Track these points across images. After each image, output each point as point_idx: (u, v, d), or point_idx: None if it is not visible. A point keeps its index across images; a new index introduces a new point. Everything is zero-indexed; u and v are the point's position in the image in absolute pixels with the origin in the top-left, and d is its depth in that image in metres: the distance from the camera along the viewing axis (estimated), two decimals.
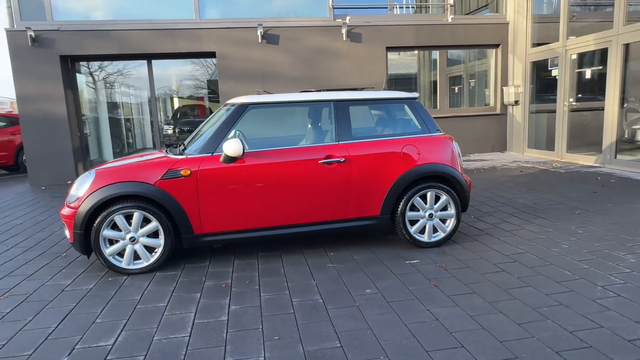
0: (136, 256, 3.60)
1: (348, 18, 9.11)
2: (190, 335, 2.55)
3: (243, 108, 3.78)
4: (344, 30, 9.07)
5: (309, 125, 4.16)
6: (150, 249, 3.64)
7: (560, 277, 3.18)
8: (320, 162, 3.74)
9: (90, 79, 9.36)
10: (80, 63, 9.09)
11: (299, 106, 3.93)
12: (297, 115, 4.10)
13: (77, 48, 8.42)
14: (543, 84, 9.26)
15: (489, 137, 10.15)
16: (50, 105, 8.44)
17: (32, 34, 8.13)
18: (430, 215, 3.98)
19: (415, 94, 4.15)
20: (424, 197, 3.96)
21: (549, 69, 8.97)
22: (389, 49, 9.59)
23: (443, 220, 4.04)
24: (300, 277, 3.39)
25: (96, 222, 3.45)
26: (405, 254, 3.85)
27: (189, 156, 3.63)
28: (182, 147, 3.91)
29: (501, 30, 9.86)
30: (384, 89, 4.54)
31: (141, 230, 3.54)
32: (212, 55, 8.97)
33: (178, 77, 9.54)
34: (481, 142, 10.13)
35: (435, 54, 10.02)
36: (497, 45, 9.98)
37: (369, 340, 2.42)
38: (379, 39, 9.37)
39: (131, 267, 3.57)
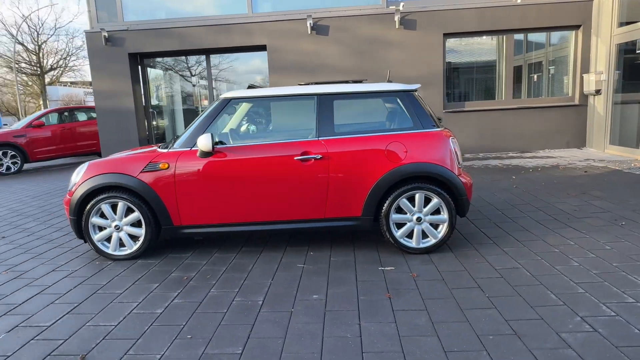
0: (123, 243, 3.83)
1: (402, 4, 8.66)
2: (116, 326, 2.64)
3: (225, 102, 3.79)
4: (397, 17, 8.65)
5: (292, 120, 4.04)
6: (134, 238, 3.83)
7: (539, 301, 2.71)
8: (295, 158, 3.61)
9: (160, 73, 10.12)
10: (147, 59, 9.85)
11: (283, 100, 3.82)
12: (280, 109, 4.00)
13: (143, 46, 9.14)
14: (631, 70, 7.93)
15: (564, 131, 9.01)
16: (120, 99, 9.30)
17: (106, 34, 9.00)
18: (419, 219, 3.64)
19: (413, 86, 3.80)
20: (412, 199, 3.64)
21: (639, 52, 7.66)
22: (447, 35, 8.93)
23: (435, 225, 3.68)
24: (260, 276, 3.33)
25: (86, 209, 3.73)
26: (387, 259, 3.58)
27: (170, 150, 3.74)
28: (172, 142, 4.04)
29: (583, 8, 8.63)
30: (388, 81, 4.23)
31: (125, 220, 3.75)
32: (263, 48, 9.14)
33: (235, 69, 9.89)
34: (554, 136, 9.04)
35: (500, 40, 9.10)
36: (577, 27, 8.77)
37: (272, 351, 2.29)
38: (436, 25, 8.77)
39: (117, 253, 3.81)
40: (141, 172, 3.68)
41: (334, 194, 3.64)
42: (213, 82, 9.67)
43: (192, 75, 9.99)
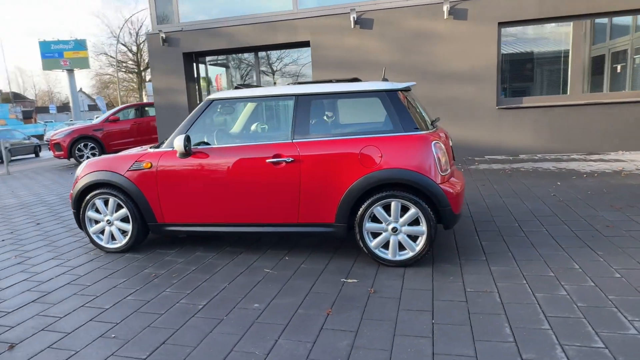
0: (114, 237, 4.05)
1: None
2: (61, 318, 2.80)
3: (207, 103, 3.82)
4: (445, 7, 8.09)
5: (271, 121, 3.94)
6: (125, 232, 4.03)
7: (487, 334, 2.37)
8: (267, 161, 3.53)
9: (213, 70, 10.57)
10: (201, 58, 10.32)
11: (263, 101, 3.75)
12: (261, 111, 3.92)
13: (196, 45, 9.60)
14: None
15: None
16: (175, 96, 9.87)
17: (163, 35, 9.58)
18: (395, 230, 3.38)
19: (398, 85, 3.50)
20: (388, 207, 3.38)
21: None
22: (503, 24, 8.16)
23: (414, 237, 3.39)
24: (221, 279, 3.32)
25: (83, 204, 4.01)
26: (358, 270, 3.38)
27: (155, 150, 3.87)
28: (164, 142, 4.17)
29: None
30: (383, 79, 3.96)
31: (115, 215, 3.96)
32: (306, 44, 9.10)
33: (282, 66, 9.98)
34: (631, 137, 7.87)
35: (566, 27, 8.10)
36: None
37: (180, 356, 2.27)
38: (490, 14, 8.06)
39: (109, 245, 4.04)
40: (128, 170, 3.85)
41: (306, 198, 3.50)
42: (261, 78, 9.87)
43: (241, 72, 10.28)
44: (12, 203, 6.71)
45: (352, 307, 2.77)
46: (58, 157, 11.68)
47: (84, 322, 2.73)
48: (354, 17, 8.50)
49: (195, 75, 10.19)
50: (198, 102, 10.25)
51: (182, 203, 3.76)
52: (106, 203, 3.97)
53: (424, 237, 3.32)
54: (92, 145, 11.83)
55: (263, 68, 9.90)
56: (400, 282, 3.12)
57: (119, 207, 3.95)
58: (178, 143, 3.57)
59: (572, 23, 8.00)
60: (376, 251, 3.44)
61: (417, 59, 8.50)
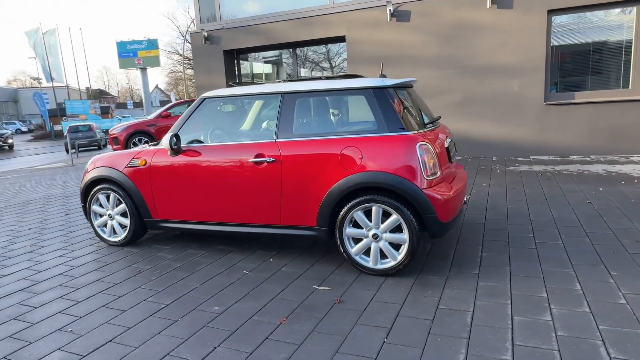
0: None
1: None
2: (35, 308, 2.93)
3: (200, 101, 3.82)
4: None
5: (258, 120, 3.85)
6: (125, 226, 4.16)
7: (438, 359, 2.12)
8: (250, 160, 3.46)
9: (254, 67, 10.71)
10: (242, 54, 10.48)
11: (252, 99, 3.67)
12: (249, 109, 3.83)
13: (235, 43, 9.76)
14: None
15: None
16: None
17: (205, 34, 9.85)
18: (375, 236, 3.17)
19: (386, 82, 3.26)
20: (370, 212, 3.18)
21: None
22: (553, 12, 7.44)
23: (397, 245, 3.16)
24: (198, 278, 3.31)
25: (88, 197, 4.20)
26: (337, 277, 3.21)
27: (151, 147, 3.95)
28: None
29: None
30: (381, 76, 3.73)
31: (115, 209, 4.10)
32: (341, 39, 8.91)
33: (320, 61, 9.87)
34: None
35: (629, 14, 7.19)
36: None
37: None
38: (538, 1, 7.38)
39: (110, 238, 4.20)
40: (125, 167, 3.97)
41: (288, 200, 3.39)
42: (300, 74, 9.83)
43: (280, 68, 10.31)
44: (56, 193, 7.24)
45: (309, 317, 2.63)
46: (116, 150, 12.49)
47: (51, 314, 2.84)
48: (390, 10, 8.18)
49: (236, 72, 10.38)
50: None
51: (173, 200, 3.81)
52: (108, 198, 4.12)
53: (406, 245, 3.08)
54: (146, 139, 12.50)
55: (301, 63, 9.86)
56: (373, 292, 2.92)
57: (119, 202, 4.09)
58: (165, 141, 3.61)
59: (635, 8, 7.10)
60: (357, 258, 3.26)
61: (457, 52, 8.01)
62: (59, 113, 36.24)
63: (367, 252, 3.25)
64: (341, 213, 3.22)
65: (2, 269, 3.73)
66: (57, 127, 34.02)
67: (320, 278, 3.21)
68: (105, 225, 4.22)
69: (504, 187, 5.63)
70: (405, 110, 3.32)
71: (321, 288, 3.04)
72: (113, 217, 4.13)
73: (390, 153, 3.10)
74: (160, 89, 68.15)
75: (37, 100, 36.85)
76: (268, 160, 3.39)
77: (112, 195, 4.06)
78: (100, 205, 4.19)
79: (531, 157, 7.76)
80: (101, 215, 4.23)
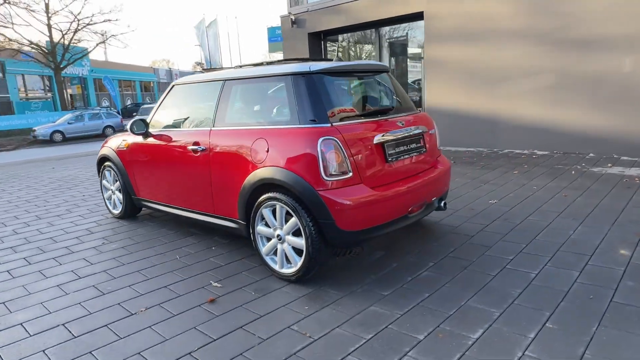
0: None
1: None
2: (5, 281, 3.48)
3: (170, 88, 3.95)
4: None
5: (207, 108, 3.74)
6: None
7: None
8: (188, 148, 3.48)
9: (340, 49, 10.51)
10: (329, 36, 10.34)
11: (207, 86, 3.63)
12: (205, 95, 3.74)
13: (318, 25, 9.70)
14: None
15: None
16: None
17: (293, 17, 10.00)
18: (280, 237, 2.91)
19: (314, 67, 2.88)
20: (276, 211, 2.93)
21: None
22: None
23: (301, 251, 2.84)
24: (129, 259, 3.50)
25: (99, 173, 4.75)
26: (251, 274, 3.06)
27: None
28: None
29: None
30: (336, 59, 3.32)
31: (114, 186, 4.55)
32: (419, 17, 8.10)
33: (401, 40, 9.18)
34: None
35: None
36: None
37: None
38: None
39: (114, 211, 4.69)
40: (117, 148, 4.36)
41: (216, 189, 3.33)
42: (383, 54, 9.31)
43: (361, 49, 9.89)
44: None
45: (165, 313, 2.58)
46: None
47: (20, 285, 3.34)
48: None
49: (323, 56, 10.33)
50: None
51: (145, 182, 4.06)
52: (111, 174, 4.59)
53: (304, 251, 2.76)
54: None
55: (384, 45, 9.31)
56: (255, 297, 2.71)
57: (115, 179, 4.52)
58: (129, 126, 3.84)
59: None
60: (267, 258, 3.05)
61: (551, 22, 6.59)
62: None
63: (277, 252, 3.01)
64: (253, 209, 3.03)
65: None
66: None
67: (234, 272, 3.09)
68: (110, 198, 4.73)
69: (553, 193, 4.54)
70: (334, 99, 2.92)
71: (215, 284, 2.94)
72: (114, 192, 4.60)
73: (292, 148, 2.78)
74: None
75: None
76: (200, 149, 3.36)
77: (112, 172, 4.52)
78: (107, 181, 4.70)
79: (638, 158, 6.06)
80: (107, 190, 4.74)
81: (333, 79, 3.02)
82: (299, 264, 2.82)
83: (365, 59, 9.91)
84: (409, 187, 2.99)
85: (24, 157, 13.19)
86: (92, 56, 34.06)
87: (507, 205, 4.24)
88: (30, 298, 2.87)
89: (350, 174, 2.72)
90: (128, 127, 3.87)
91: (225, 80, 3.38)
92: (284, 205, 2.80)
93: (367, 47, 9.80)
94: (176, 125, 3.81)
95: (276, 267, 2.98)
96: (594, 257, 2.96)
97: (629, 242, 3.17)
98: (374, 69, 3.40)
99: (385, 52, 9.34)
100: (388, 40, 9.28)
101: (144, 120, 3.89)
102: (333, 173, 2.67)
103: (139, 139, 4.03)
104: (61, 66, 26.38)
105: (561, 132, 6.71)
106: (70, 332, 2.41)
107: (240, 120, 3.24)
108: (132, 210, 4.51)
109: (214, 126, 3.36)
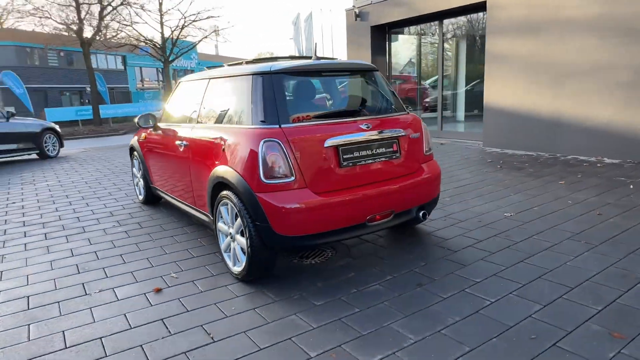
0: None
1: None
2: None
3: (177, 84, 4.17)
4: None
5: (196, 105, 3.83)
6: None
7: None
8: (176, 142, 3.65)
9: (404, 43, 10.10)
10: (394, 29, 9.98)
11: (199, 84, 3.74)
12: (197, 93, 3.83)
13: (380, 17, 9.43)
14: None
15: None
16: None
17: (356, 11, 9.84)
18: (231, 236, 2.95)
19: (274, 67, 2.85)
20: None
21: None
22: None
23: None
24: (122, 243, 3.79)
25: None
26: (218, 269, 3.16)
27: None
28: None
29: None
30: (315, 57, 3.23)
31: (139, 173, 4.94)
32: (482, 7, 7.44)
33: (467, 32, 8.53)
34: None
35: None
36: None
37: None
38: None
39: (140, 197, 5.09)
40: (139, 140, 4.72)
41: (195, 184, 3.47)
42: (444, 46, 8.77)
43: (425, 42, 9.36)
44: None
45: (109, 297, 2.77)
46: None
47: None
48: None
49: (387, 48, 10.02)
50: (387, 74, 10.11)
51: (155, 171, 4.37)
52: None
53: (246, 252, 2.76)
54: None
55: (448, 38, 8.75)
56: (197, 291, 2.79)
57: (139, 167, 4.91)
58: (136, 120, 4.14)
59: None
60: (225, 255, 3.11)
61: (627, 10, 5.64)
62: None
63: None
64: (214, 206, 3.10)
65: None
66: None
67: (193, 266, 3.20)
68: (137, 185, 5.15)
69: (587, 210, 3.94)
70: (292, 100, 2.86)
71: (173, 275, 3.08)
72: (140, 179, 5.00)
73: (240, 148, 2.79)
74: None
75: None
76: (184, 144, 3.52)
77: (138, 161, 4.91)
78: (135, 169, 5.12)
79: None
80: (135, 177, 5.16)
81: (299, 80, 2.96)
82: (243, 264, 2.83)
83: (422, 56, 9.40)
84: (367, 194, 2.82)
85: (124, 141, 14.80)
86: (204, 50, 36.98)
87: (521, 221, 3.77)
88: (21, 270, 3.26)
89: (293, 177, 2.65)
90: (136, 120, 4.18)
91: (210, 79, 3.48)
92: (234, 206, 2.82)
93: (431, 41, 9.29)
94: (176, 120, 4.02)
95: (230, 264, 3.03)
96: (574, 290, 2.53)
97: (632, 277, 2.64)
98: (356, 68, 3.24)
99: (449, 46, 8.77)
100: (452, 34, 8.70)
101: (152, 115, 4.17)
102: (274, 176, 2.62)
103: (150, 133, 4.33)
104: (170, 59, 29.08)
105: (637, 137, 5.75)
106: (28, 304, 2.71)
107: (213, 118, 3.32)
108: (152, 197, 4.87)
109: (197, 123, 3.49)
